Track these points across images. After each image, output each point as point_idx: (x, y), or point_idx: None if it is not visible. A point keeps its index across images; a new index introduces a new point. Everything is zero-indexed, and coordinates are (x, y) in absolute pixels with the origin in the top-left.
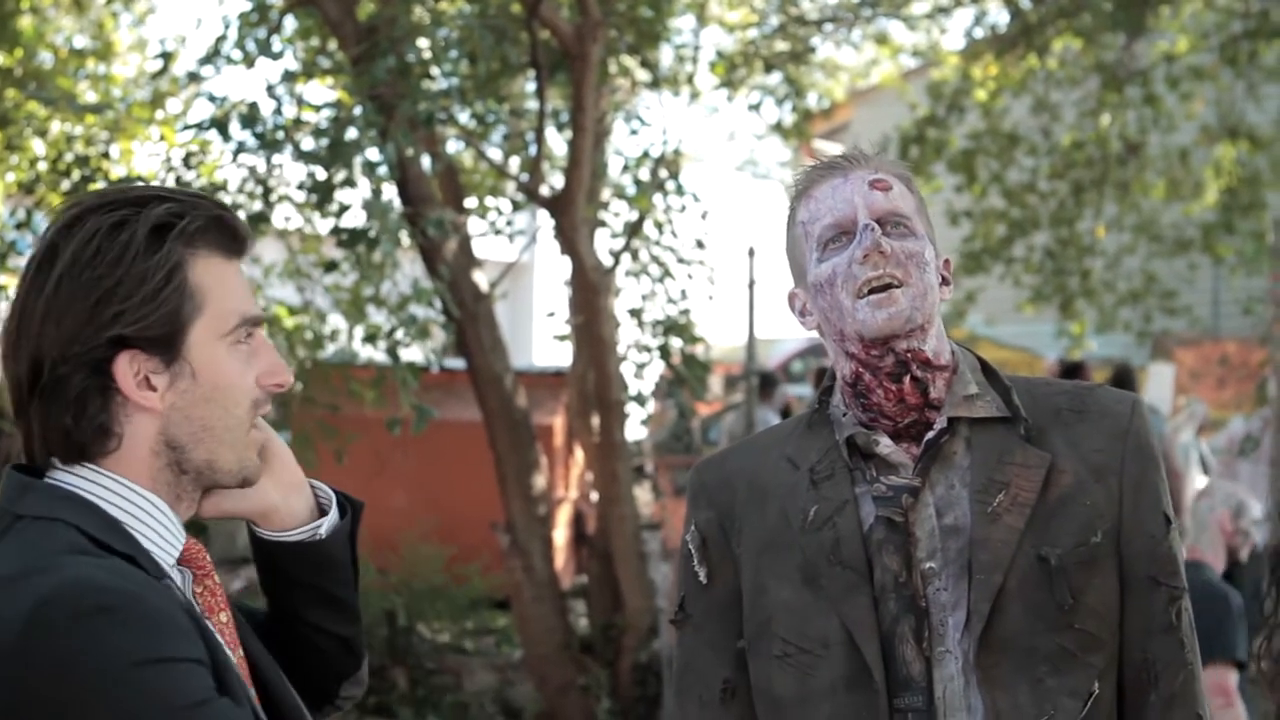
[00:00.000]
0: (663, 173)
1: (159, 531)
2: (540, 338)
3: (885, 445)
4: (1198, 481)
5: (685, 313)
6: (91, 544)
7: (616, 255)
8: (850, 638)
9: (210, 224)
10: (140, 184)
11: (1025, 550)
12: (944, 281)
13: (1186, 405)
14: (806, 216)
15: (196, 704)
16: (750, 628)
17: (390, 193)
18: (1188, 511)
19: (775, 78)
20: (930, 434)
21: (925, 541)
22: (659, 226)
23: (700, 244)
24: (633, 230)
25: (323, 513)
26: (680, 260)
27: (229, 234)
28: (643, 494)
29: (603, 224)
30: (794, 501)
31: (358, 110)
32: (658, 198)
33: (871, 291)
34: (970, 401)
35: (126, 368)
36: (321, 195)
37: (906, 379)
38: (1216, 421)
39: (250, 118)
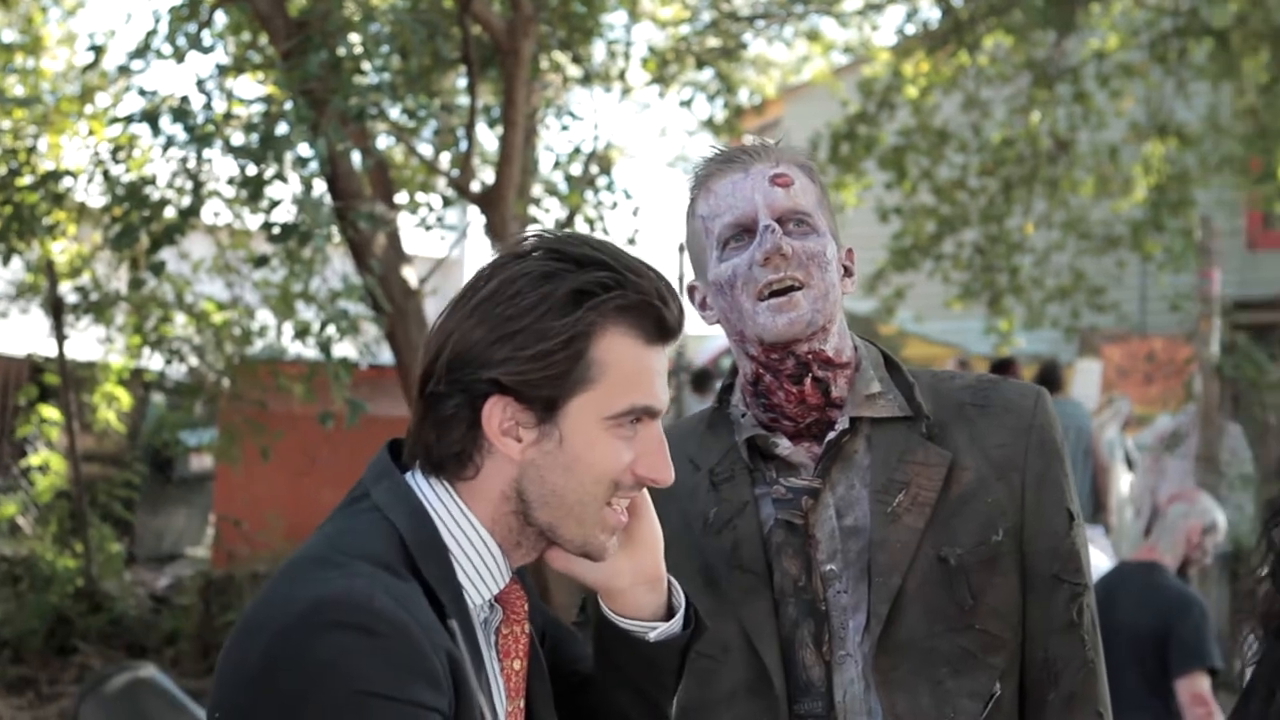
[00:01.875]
0: (594, 169)
1: (479, 569)
2: None
3: (785, 447)
4: (1123, 478)
5: None
6: (403, 558)
7: None
8: (750, 643)
9: (638, 305)
10: (603, 244)
11: (925, 551)
12: (846, 274)
13: (1111, 402)
14: (706, 211)
15: None
16: None
17: (321, 188)
18: (1114, 510)
19: (707, 74)
20: (831, 435)
21: (825, 543)
22: (590, 223)
23: (632, 240)
24: (564, 226)
25: (671, 614)
26: None
27: (655, 320)
28: None
29: (534, 220)
30: (694, 503)
31: (288, 105)
32: (589, 194)
33: (772, 295)
34: (872, 400)
35: (497, 411)
36: (252, 190)
37: (808, 380)
38: (1143, 418)
39: (181, 112)
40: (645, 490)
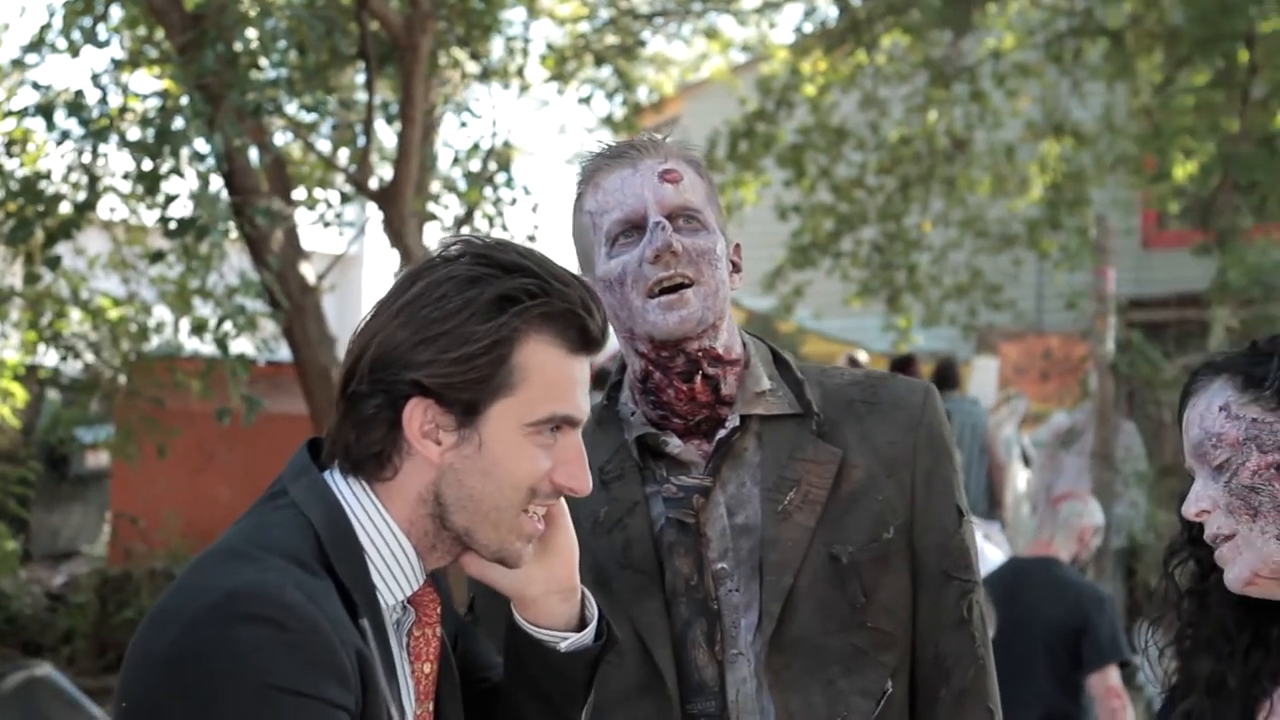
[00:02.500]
0: (493, 166)
1: (393, 570)
2: None
3: (675, 445)
4: (1019, 475)
5: None
6: (318, 555)
7: None
8: (642, 643)
9: (562, 314)
10: (530, 252)
11: (817, 549)
12: (735, 269)
13: (1008, 399)
14: (594, 207)
15: None
16: None
17: (217, 184)
18: (1010, 506)
19: (605, 71)
20: (722, 432)
21: (716, 542)
22: (489, 220)
23: (531, 237)
24: (462, 223)
25: (583, 625)
26: None
27: (578, 329)
28: None
29: (432, 217)
30: (584, 503)
31: (184, 100)
32: (488, 190)
33: (662, 292)
34: (762, 398)
35: (418, 413)
36: (148, 185)
37: (698, 377)
38: (1039, 415)
39: (76, 106)
40: (562, 500)
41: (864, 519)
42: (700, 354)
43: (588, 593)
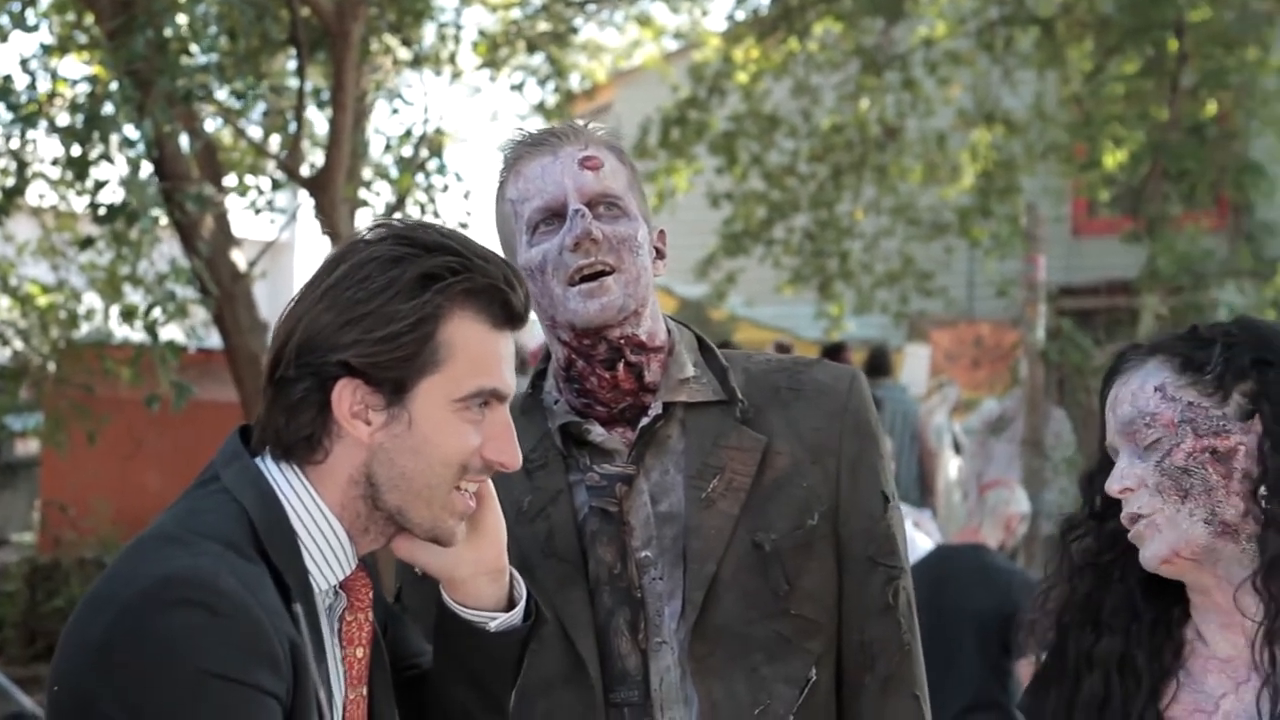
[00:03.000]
0: (424, 152)
1: (325, 554)
2: None
3: (598, 433)
4: (951, 463)
5: None
6: (251, 540)
7: None
8: (565, 632)
9: (485, 289)
10: (452, 232)
11: (740, 536)
12: (659, 256)
13: (940, 387)
14: (515, 195)
15: None
16: None
17: (147, 170)
18: (942, 493)
19: (538, 58)
20: (645, 420)
21: (640, 530)
22: (421, 206)
23: (464, 224)
24: (394, 209)
25: (512, 605)
26: None
27: (502, 305)
28: None
29: (363, 204)
30: (508, 492)
31: (114, 85)
32: (420, 177)
33: (583, 280)
34: (686, 385)
35: (346, 394)
36: (78, 170)
37: (620, 365)
38: (970, 402)
39: (3, 90)
40: (490, 482)
41: (788, 506)
42: (622, 341)
43: (516, 573)
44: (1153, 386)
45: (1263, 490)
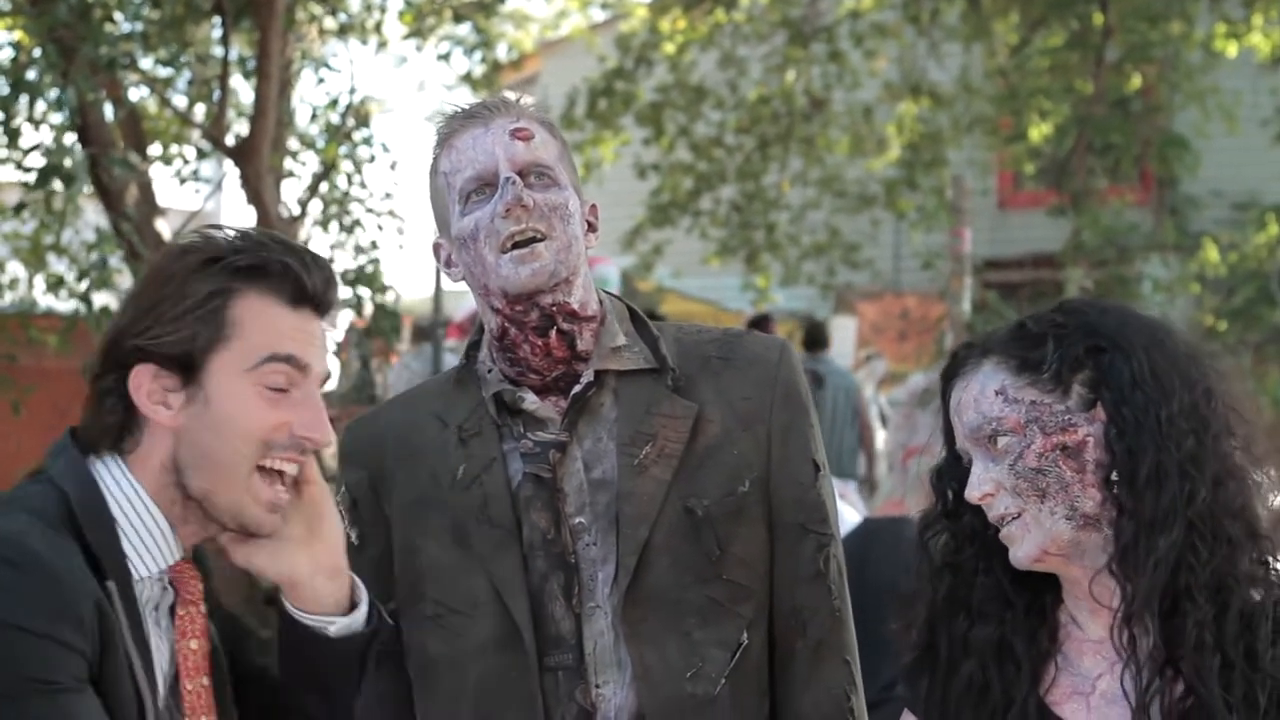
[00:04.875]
0: (350, 122)
1: (145, 542)
2: None
3: (531, 401)
4: (878, 435)
5: (374, 263)
6: (68, 521)
7: (303, 204)
8: (499, 597)
9: (271, 266)
10: (248, 229)
11: (673, 502)
12: (591, 229)
13: (868, 360)
14: (448, 167)
15: (48, 684)
16: (401, 589)
17: (71, 139)
18: (884, 464)
19: (465, 28)
20: (577, 388)
21: (574, 496)
22: (348, 176)
23: (389, 195)
24: (320, 179)
25: (353, 607)
26: (369, 210)
27: (294, 284)
28: (330, 447)
29: (290, 174)
30: (443, 460)
31: (37, 52)
32: (346, 147)
33: (515, 246)
34: (618, 353)
35: (144, 379)
36: (9, 136)
37: (552, 332)
38: (897, 375)
39: None
40: (325, 485)
41: (719, 473)
42: (554, 308)
43: (356, 578)
44: (993, 390)
45: (1114, 476)
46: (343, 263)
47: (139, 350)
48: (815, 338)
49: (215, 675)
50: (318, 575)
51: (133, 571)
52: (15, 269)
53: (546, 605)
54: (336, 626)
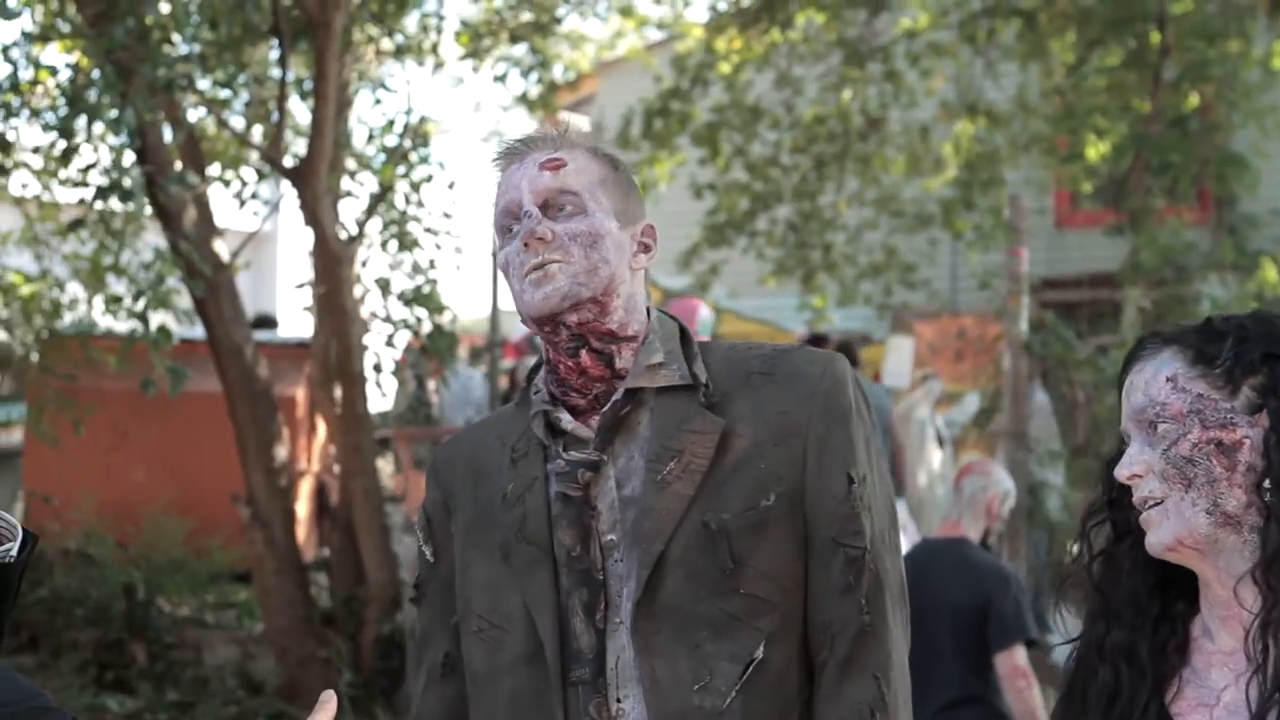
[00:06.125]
0: (408, 143)
1: None
2: (285, 308)
3: (567, 421)
4: (935, 456)
5: (432, 283)
6: None
7: (361, 225)
8: (529, 613)
9: None
10: None
11: (693, 517)
12: (645, 250)
13: (924, 380)
14: (495, 202)
15: None
16: (460, 604)
17: (130, 159)
18: (924, 486)
19: (521, 49)
20: (607, 406)
21: (606, 514)
22: (405, 197)
23: (447, 215)
24: (377, 200)
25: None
26: (427, 230)
27: None
28: (386, 466)
29: (347, 194)
30: (499, 481)
31: (96, 74)
32: (403, 168)
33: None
34: (654, 370)
35: None
36: (64, 155)
37: (584, 352)
38: (953, 395)
39: None
40: None
41: (743, 486)
42: (581, 328)
43: (6, 515)
44: (1165, 376)
45: (1266, 483)
46: (400, 283)
47: None
48: (847, 357)
49: None
50: None
51: None
52: (75, 289)
53: (569, 621)
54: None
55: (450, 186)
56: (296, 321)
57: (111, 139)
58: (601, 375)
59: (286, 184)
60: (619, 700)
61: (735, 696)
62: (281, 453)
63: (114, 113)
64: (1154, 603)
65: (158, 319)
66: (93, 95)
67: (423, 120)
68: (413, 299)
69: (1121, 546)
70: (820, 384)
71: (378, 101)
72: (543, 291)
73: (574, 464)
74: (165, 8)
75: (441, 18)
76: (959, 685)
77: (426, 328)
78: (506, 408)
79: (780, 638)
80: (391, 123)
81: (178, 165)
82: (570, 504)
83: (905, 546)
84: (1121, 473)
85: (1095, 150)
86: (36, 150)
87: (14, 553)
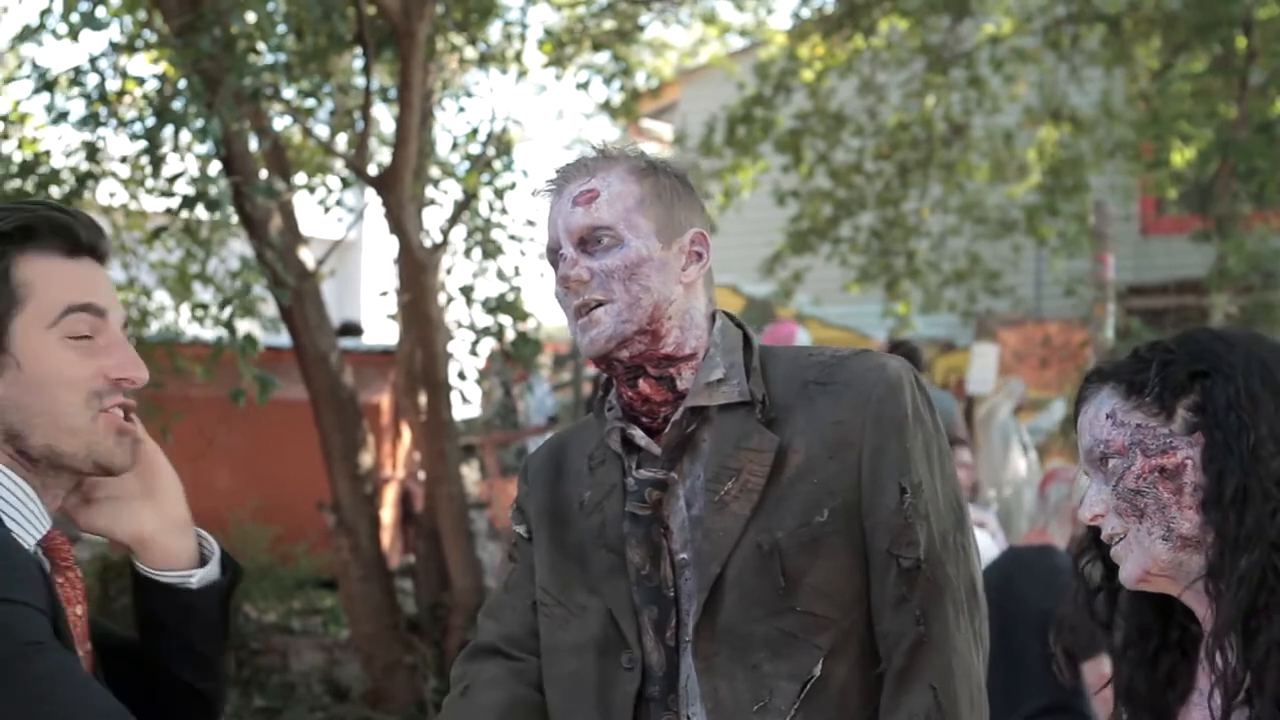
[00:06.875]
0: (491, 150)
1: (21, 512)
2: (369, 316)
3: (641, 437)
4: (1019, 462)
5: (515, 290)
6: None
7: (445, 233)
8: (610, 612)
9: (40, 224)
10: (19, 200)
11: (749, 537)
12: (698, 258)
13: (1005, 384)
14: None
15: (37, 644)
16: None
17: (216, 168)
18: (1011, 493)
19: (603, 56)
20: (669, 427)
21: (678, 533)
22: (489, 204)
23: (531, 222)
24: (461, 208)
25: (204, 563)
26: (510, 238)
27: (66, 234)
28: (470, 473)
29: (431, 202)
30: (576, 486)
31: (182, 84)
32: (487, 175)
33: (578, 314)
34: (713, 388)
35: None
36: (152, 163)
37: (642, 380)
38: (1039, 402)
39: (76, 84)
40: (151, 441)
41: (797, 504)
42: (634, 360)
43: (206, 535)
44: (1104, 414)
45: (1203, 497)
46: (484, 290)
47: None
48: (907, 359)
49: (96, 637)
50: (166, 531)
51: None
52: (161, 297)
53: (642, 637)
54: (197, 578)
55: (534, 194)
56: (381, 329)
57: (198, 148)
58: (665, 399)
59: (371, 192)
60: (690, 718)
61: (795, 715)
62: (366, 460)
63: (200, 122)
64: (1152, 636)
65: (244, 327)
66: (179, 105)
67: (506, 128)
68: (496, 306)
69: (1114, 582)
70: (874, 390)
71: (461, 110)
72: (589, 336)
73: (642, 483)
74: (251, 18)
75: (525, 26)
76: (1049, 694)
77: (510, 335)
78: (587, 418)
79: (840, 653)
80: (475, 130)
81: (263, 174)
82: (639, 523)
83: (994, 553)
84: (1084, 515)
85: (1181, 156)
86: (124, 160)
87: (193, 581)
